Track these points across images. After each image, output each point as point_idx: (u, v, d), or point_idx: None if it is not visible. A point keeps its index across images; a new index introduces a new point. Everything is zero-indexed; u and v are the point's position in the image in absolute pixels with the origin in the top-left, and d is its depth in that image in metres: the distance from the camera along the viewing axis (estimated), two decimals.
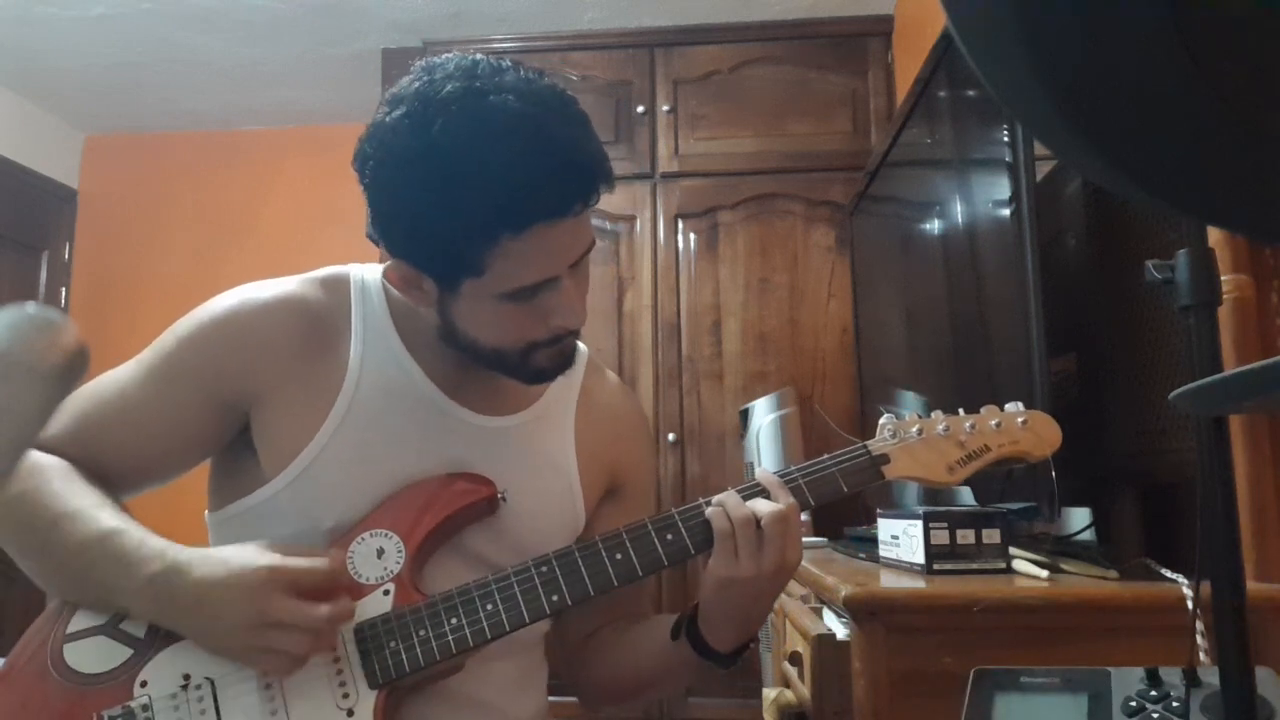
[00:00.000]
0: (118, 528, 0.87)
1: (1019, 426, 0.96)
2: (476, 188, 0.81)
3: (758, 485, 0.93)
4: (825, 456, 0.96)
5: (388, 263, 0.92)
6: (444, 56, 0.88)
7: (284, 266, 1.14)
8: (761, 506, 0.89)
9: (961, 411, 0.98)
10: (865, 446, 0.96)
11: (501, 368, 0.95)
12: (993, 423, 0.96)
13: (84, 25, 3.08)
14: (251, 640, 0.82)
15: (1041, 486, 1.15)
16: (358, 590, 0.90)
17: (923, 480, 0.95)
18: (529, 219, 0.83)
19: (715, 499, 0.92)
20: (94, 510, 0.88)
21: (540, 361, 0.94)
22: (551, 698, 1.07)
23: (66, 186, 3.89)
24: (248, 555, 0.84)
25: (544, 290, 0.88)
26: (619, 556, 0.91)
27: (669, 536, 0.92)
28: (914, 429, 0.96)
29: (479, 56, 0.88)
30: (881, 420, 0.97)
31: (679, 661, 0.97)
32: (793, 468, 0.95)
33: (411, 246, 0.88)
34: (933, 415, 0.98)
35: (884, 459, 0.95)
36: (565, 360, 0.96)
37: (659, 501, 2.60)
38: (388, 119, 0.86)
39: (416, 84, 0.86)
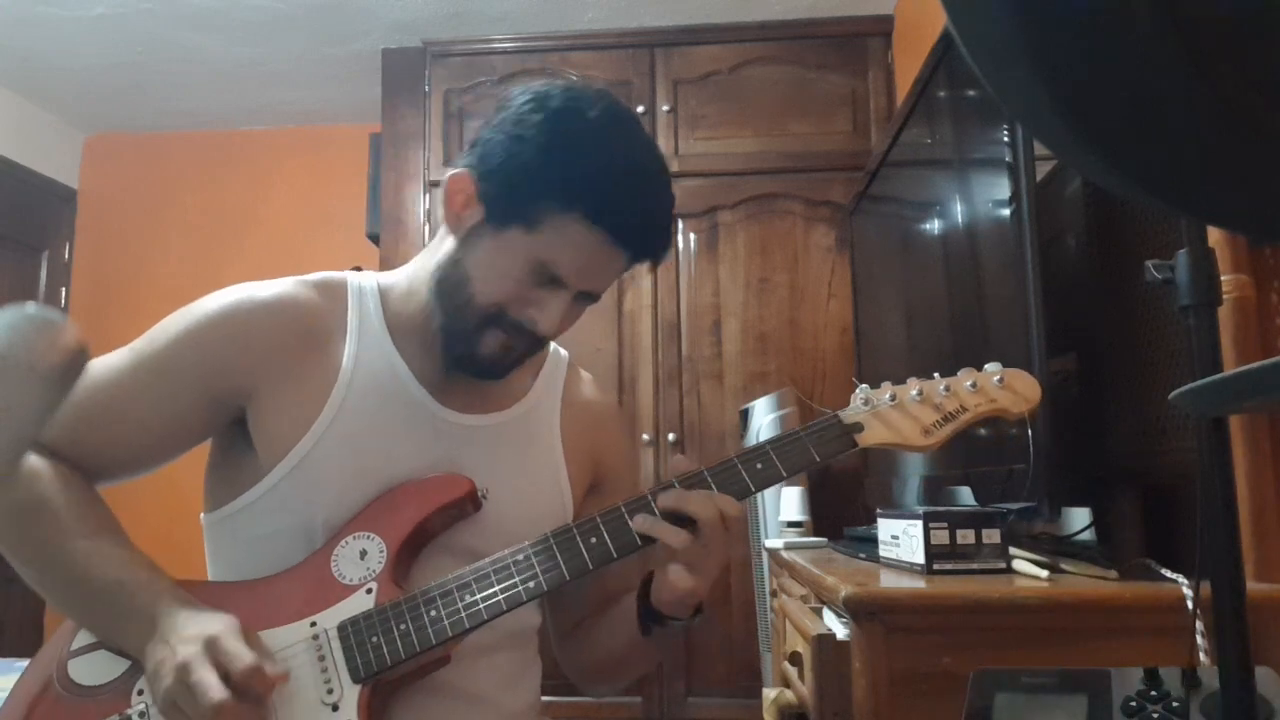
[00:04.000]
0: (114, 565, 0.90)
1: (995, 385, 0.95)
2: (603, 164, 0.90)
3: (647, 501, 0.92)
4: (797, 428, 0.96)
5: (457, 171, 0.96)
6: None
7: (284, 266, 1.15)
8: (703, 513, 0.89)
9: (937, 375, 0.97)
10: (837, 415, 0.96)
11: (452, 329, 0.97)
12: (968, 383, 0.95)
13: (84, 25, 3.08)
14: (170, 695, 0.82)
15: (1027, 472, 1.15)
16: (340, 592, 0.92)
17: (899, 446, 0.95)
18: (606, 222, 0.91)
19: (656, 533, 0.90)
20: (89, 541, 0.90)
21: (488, 343, 0.96)
22: (547, 697, 1.07)
23: (66, 186, 3.89)
24: (210, 618, 0.86)
25: (551, 286, 0.94)
26: (593, 540, 0.92)
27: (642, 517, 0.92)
28: (886, 395, 0.96)
29: None
30: (855, 390, 0.97)
31: (647, 641, 0.99)
32: (763, 440, 0.95)
33: (503, 172, 0.92)
34: (907, 381, 0.97)
35: (857, 427, 0.95)
36: (500, 362, 0.98)
37: None
38: (542, 87, 0.94)
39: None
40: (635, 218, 0.93)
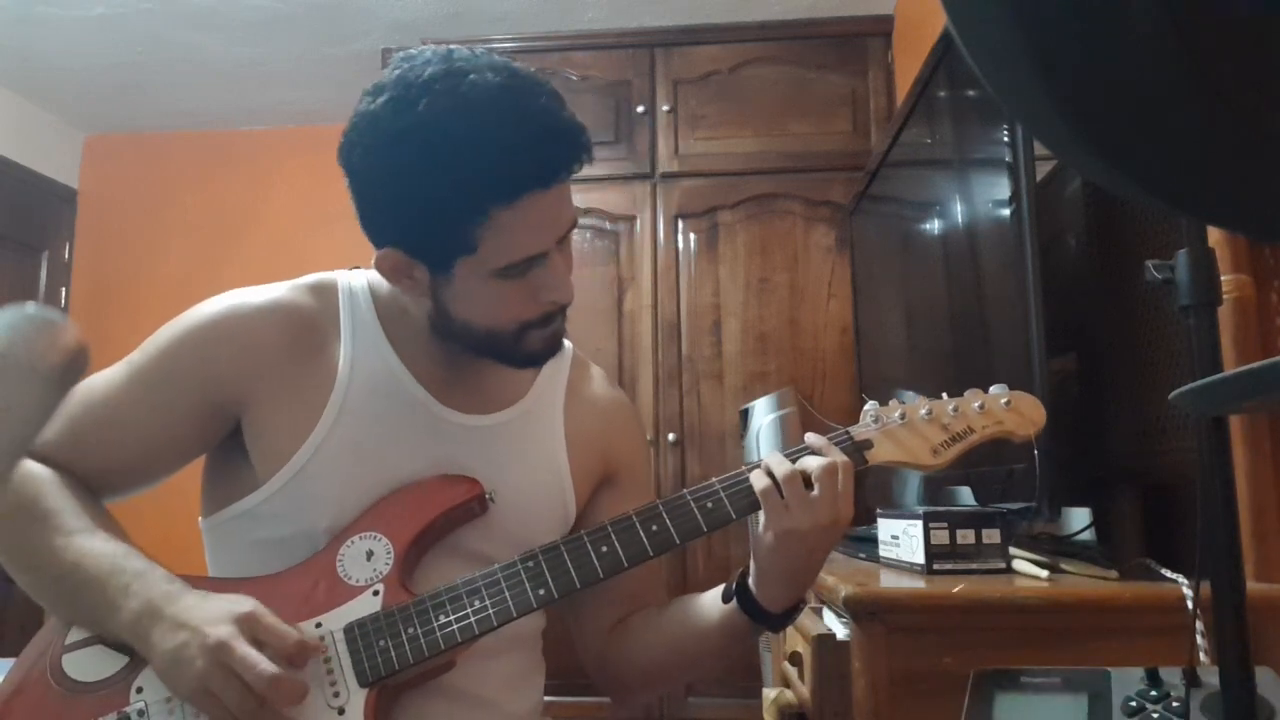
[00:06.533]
0: (108, 553, 0.88)
1: (1002, 407, 0.97)
2: (465, 160, 0.83)
3: (805, 447, 0.94)
4: (805, 445, 0.95)
5: (378, 253, 0.92)
6: (419, 48, 0.90)
7: (284, 266, 1.15)
8: (811, 462, 0.90)
9: (945, 395, 0.98)
10: (848, 432, 0.96)
11: (494, 352, 0.96)
12: (976, 405, 0.97)
13: (84, 25, 3.08)
14: (204, 680, 0.80)
15: (1027, 472, 1.15)
16: (347, 593, 0.90)
17: (907, 464, 0.95)
18: (519, 188, 0.85)
19: (762, 460, 0.93)
20: (85, 535, 0.88)
21: (533, 344, 0.95)
22: (549, 697, 1.07)
23: (66, 186, 3.89)
24: (232, 600, 0.85)
25: (535, 266, 0.90)
26: (604, 549, 0.92)
27: (654, 528, 0.93)
28: (896, 414, 0.96)
29: (454, 46, 0.90)
30: (865, 407, 0.98)
31: (725, 630, 0.97)
32: (772, 453, 0.95)
33: (402, 231, 0.89)
34: (916, 400, 0.98)
35: (867, 444, 0.95)
36: (555, 342, 0.98)
37: (658, 496, 2.58)
38: (371, 106, 0.87)
39: (396, 72, 0.88)
40: (541, 155, 0.85)
